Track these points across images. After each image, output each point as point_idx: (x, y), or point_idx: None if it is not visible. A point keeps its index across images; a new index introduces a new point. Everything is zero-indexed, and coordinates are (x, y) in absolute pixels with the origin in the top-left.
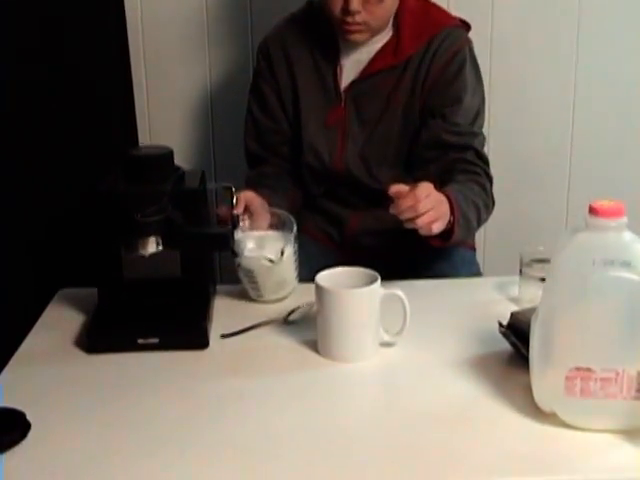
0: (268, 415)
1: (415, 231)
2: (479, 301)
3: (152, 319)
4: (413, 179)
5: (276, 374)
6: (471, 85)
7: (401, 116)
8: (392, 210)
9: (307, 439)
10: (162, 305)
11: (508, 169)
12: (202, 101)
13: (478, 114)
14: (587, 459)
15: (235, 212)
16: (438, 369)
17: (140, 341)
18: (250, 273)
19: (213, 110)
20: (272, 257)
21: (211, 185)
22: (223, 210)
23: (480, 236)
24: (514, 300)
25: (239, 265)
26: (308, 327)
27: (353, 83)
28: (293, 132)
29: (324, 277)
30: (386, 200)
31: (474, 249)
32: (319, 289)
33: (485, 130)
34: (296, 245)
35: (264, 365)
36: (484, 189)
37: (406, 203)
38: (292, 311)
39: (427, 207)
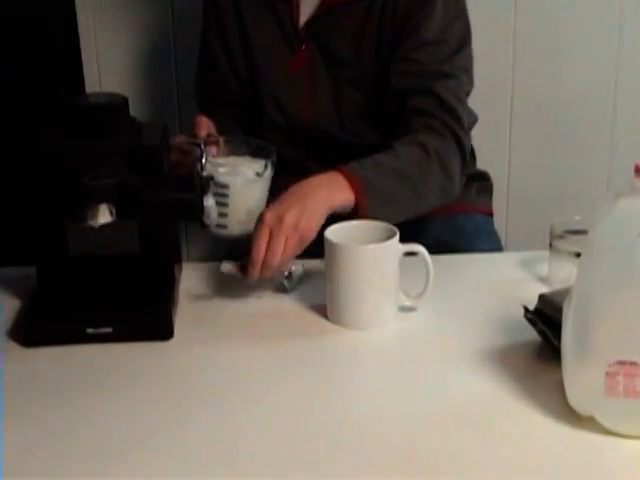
0: (240, 414)
1: None
2: (500, 281)
3: (104, 304)
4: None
5: (252, 369)
6: (444, 16)
7: (373, 58)
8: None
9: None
10: (116, 287)
11: (537, 124)
12: (164, 41)
13: (457, 52)
14: (631, 472)
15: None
16: (452, 362)
17: (89, 331)
18: (224, 190)
19: (177, 53)
20: (256, 171)
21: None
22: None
23: (500, 201)
24: (543, 280)
25: (211, 179)
26: (287, 314)
27: (312, 20)
28: (250, 86)
29: (334, 231)
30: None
31: (491, 214)
32: (329, 245)
33: (515, 82)
34: (272, 172)
35: (238, 358)
36: (425, 149)
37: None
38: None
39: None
